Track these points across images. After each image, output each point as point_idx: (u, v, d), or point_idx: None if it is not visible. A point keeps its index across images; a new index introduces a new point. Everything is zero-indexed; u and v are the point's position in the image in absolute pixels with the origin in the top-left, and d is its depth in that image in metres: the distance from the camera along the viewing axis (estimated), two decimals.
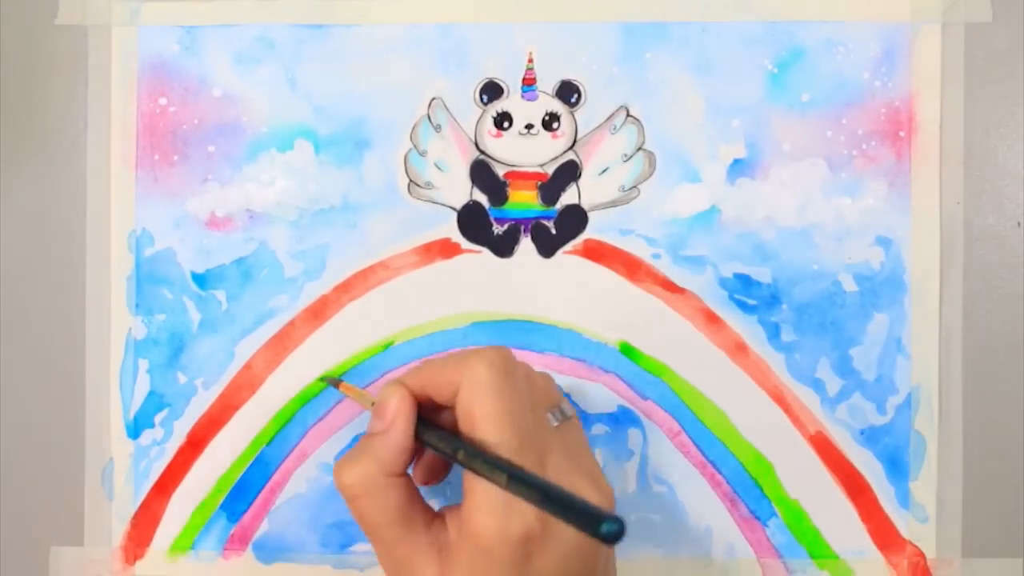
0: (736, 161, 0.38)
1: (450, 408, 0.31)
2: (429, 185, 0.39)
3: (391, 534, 0.30)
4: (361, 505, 0.30)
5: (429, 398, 0.32)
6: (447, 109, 0.39)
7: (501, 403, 0.29)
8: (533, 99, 0.39)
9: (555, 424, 0.31)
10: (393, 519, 0.30)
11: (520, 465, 0.28)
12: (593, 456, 0.33)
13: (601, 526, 0.23)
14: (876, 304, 0.38)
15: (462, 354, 0.31)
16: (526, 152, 0.39)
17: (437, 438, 0.31)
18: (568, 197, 0.39)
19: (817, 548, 0.38)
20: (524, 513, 0.28)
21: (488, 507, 0.28)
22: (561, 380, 0.38)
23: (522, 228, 0.39)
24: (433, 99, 0.39)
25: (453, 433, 0.31)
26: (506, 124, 0.39)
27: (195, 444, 0.39)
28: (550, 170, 0.39)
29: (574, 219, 0.39)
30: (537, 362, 0.38)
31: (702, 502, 0.38)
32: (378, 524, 0.30)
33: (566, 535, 0.28)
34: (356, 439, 0.39)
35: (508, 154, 0.39)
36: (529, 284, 0.38)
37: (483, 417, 0.29)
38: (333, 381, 0.37)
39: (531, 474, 0.27)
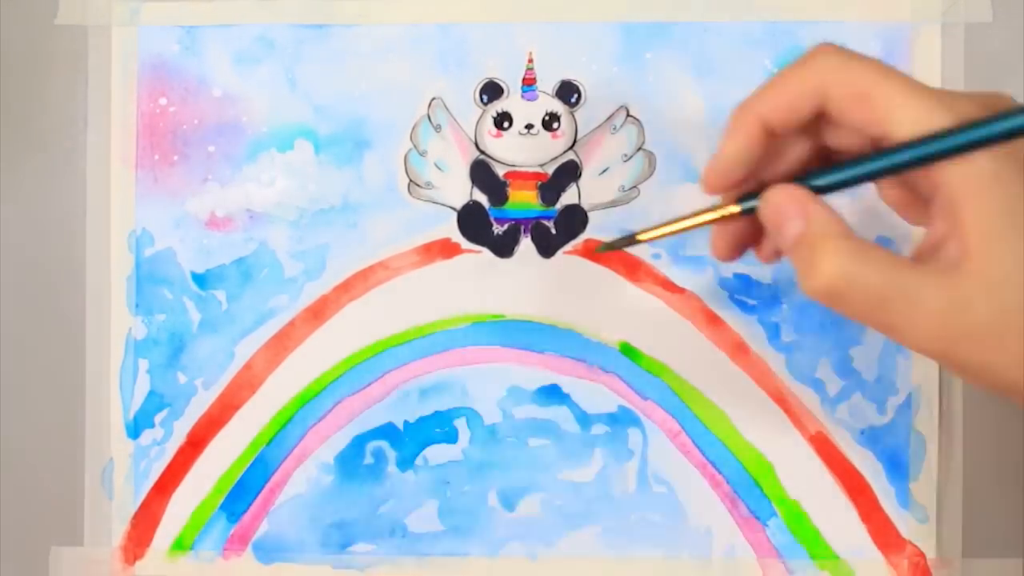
0: None
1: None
2: (429, 185, 0.39)
3: (903, 287, 0.25)
4: (857, 290, 0.25)
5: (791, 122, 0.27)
6: (447, 109, 0.39)
7: (868, 65, 0.25)
8: (533, 99, 0.39)
9: None
10: (893, 277, 0.25)
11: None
12: None
13: None
14: None
15: (799, 58, 0.26)
16: (526, 152, 0.39)
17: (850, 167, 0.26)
18: (568, 197, 0.39)
19: (817, 548, 0.38)
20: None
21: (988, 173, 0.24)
22: (561, 380, 0.38)
23: (522, 228, 0.39)
24: (433, 99, 0.39)
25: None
26: (506, 124, 0.39)
27: (195, 444, 0.39)
28: (550, 170, 0.39)
29: (574, 219, 0.39)
30: (537, 362, 0.38)
31: (702, 502, 0.38)
32: (885, 290, 0.25)
33: None
34: (356, 439, 0.39)
35: (508, 154, 0.39)
36: (529, 284, 0.38)
37: (866, 81, 0.25)
38: (627, 241, 0.31)
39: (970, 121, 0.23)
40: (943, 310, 0.24)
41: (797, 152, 0.28)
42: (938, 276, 0.25)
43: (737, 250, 0.30)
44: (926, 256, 0.26)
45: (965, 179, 0.24)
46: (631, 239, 0.30)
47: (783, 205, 0.27)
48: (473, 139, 0.39)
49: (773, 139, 0.27)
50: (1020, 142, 0.24)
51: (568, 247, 0.39)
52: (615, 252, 0.38)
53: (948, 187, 0.25)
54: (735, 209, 0.28)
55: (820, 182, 0.27)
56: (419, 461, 0.38)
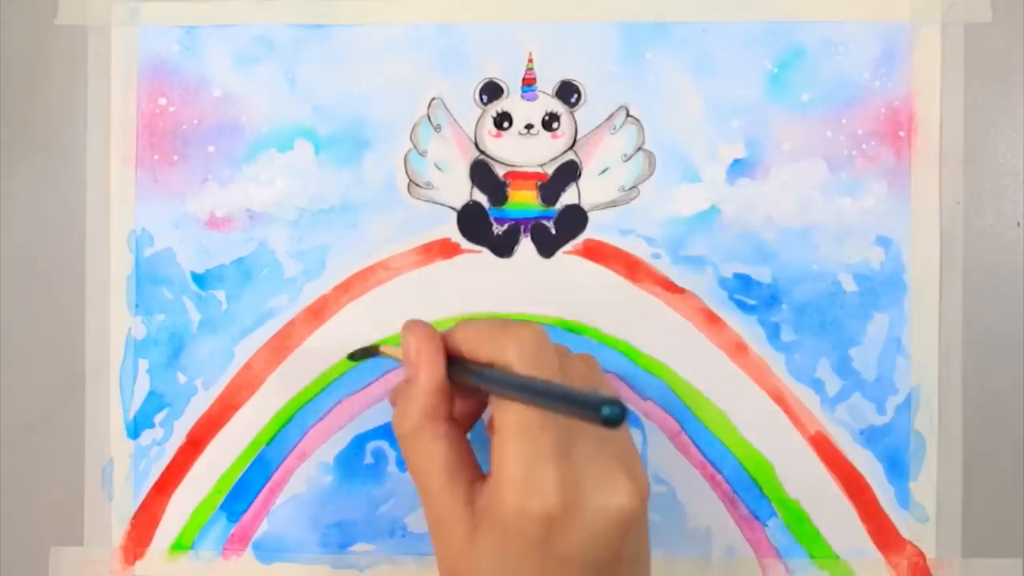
0: (736, 161, 0.38)
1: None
2: (429, 185, 0.39)
3: (433, 483, 0.30)
4: (407, 449, 0.30)
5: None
6: (447, 109, 0.39)
7: (540, 363, 0.29)
8: (533, 99, 0.39)
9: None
10: (436, 467, 0.30)
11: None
12: (631, 443, 0.31)
13: (602, 410, 0.23)
14: (876, 304, 0.38)
15: (497, 330, 0.30)
16: (526, 152, 0.39)
17: (464, 369, 0.30)
18: (568, 197, 0.39)
19: (817, 548, 0.38)
20: (546, 492, 0.27)
21: (509, 482, 0.28)
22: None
23: (522, 228, 0.39)
24: (433, 99, 0.39)
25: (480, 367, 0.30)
26: (506, 124, 0.39)
27: (195, 444, 0.39)
28: (550, 170, 0.39)
29: (574, 219, 0.39)
30: None
31: (702, 502, 0.38)
32: (421, 470, 0.30)
33: (589, 517, 0.28)
34: (356, 439, 0.39)
35: (508, 154, 0.39)
36: (529, 284, 0.38)
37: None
38: (364, 352, 0.36)
39: (537, 381, 0.27)
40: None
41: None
42: (467, 510, 0.29)
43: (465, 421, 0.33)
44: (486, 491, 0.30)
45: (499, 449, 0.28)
46: (374, 350, 0.36)
47: (407, 349, 0.31)
48: (473, 139, 0.39)
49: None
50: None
51: (568, 247, 0.39)
52: (615, 252, 0.38)
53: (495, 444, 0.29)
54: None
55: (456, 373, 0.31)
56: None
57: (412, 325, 0.31)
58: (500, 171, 0.39)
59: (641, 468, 0.30)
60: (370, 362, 0.39)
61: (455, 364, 0.31)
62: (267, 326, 0.39)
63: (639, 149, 0.39)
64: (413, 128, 0.39)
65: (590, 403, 0.24)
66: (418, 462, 0.30)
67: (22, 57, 0.40)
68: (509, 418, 0.28)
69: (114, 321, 0.39)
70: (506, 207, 0.39)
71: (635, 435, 0.38)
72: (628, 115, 0.39)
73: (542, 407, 0.27)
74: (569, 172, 0.39)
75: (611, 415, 0.23)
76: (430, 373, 0.30)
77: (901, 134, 0.38)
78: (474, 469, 0.31)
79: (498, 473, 0.28)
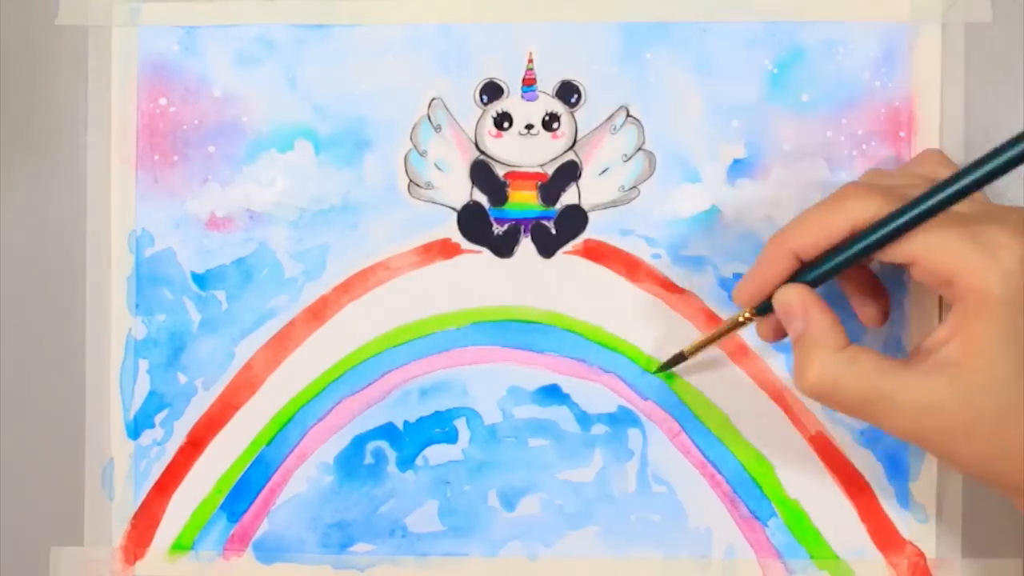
0: (736, 161, 0.38)
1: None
2: (429, 185, 0.39)
3: (881, 391, 0.29)
4: (839, 394, 0.30)
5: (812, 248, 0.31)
6: (447, 109, 0.39)
7: (894, 203, 0.29)
8: (533, 99, 0.39)
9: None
10: (873, 383, 0.29)
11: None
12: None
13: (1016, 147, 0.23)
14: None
15: (831, 197, 0.30)
16: (526, 152, 0.39)
17: (837, 256, 0.30)
18: (568, 197, 0.39)
19: (817, 548, 0.38)
20: (1004, 244, 0.27)
21: (970, 264, 0.27)
22: (561, 380, 0.38)
23: (522, 228, 0.39)
24: (433, 99, 0.39)
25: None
26: (506, 124, 0.39)
27: (195, 444, 0.39)
28: (550, 170, 0.39)
29: (574, 219, 0.39)
30: (537, 362, 0.38)
31: (702, 502, 0.38)
32: (865, 395, 0.29)
33: None
34: (356, 439, 0.39)
35: (508, 154, 0.39)
36: (529, 284, 0.38)
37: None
38: (673, 361, 0.37)
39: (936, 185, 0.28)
40: (915, 410, 0.29)
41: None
42: (919, 378, 0.29)
43: (777, 334, 0.34)
44: (928, 351, 0.29)
45: (980, 299, 0.28)
46: (680, 357, 0.37)
47: (789, 306, 0.31)
48: (473, 139, 0.39)
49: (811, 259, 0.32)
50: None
51: (568, 247, 0.39)
52: (615, 252, 0.38)
53: (965, 301, 0.28)
54: (751, 316, 0.34)
55: (816, 273, 0.31)
56: (419, 461, 0.38)
57: (789, 286, 0.31)
58: (500, 171, 0.39)
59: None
60: (369, 362, 0.39)
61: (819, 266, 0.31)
62: (267, 326, 0.39)
63: (639, 149, 0.39)
64: (413, 128, 0.39)
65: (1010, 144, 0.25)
66: (859, 392, 0.29)
67: (22, 57, 0.40)
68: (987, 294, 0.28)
69: (114, 321, 0.39)
70: (506, 207, 0.39)
71: (635, 435, 0.38)
72: (628, 115, 0.39)
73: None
74: (569, 172, 0.39)
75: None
76: (821, 313, 0.30)
77: (901, 134, 0.38)
78: (885, 363, 0.30)
79: (954, 263, 0.28)
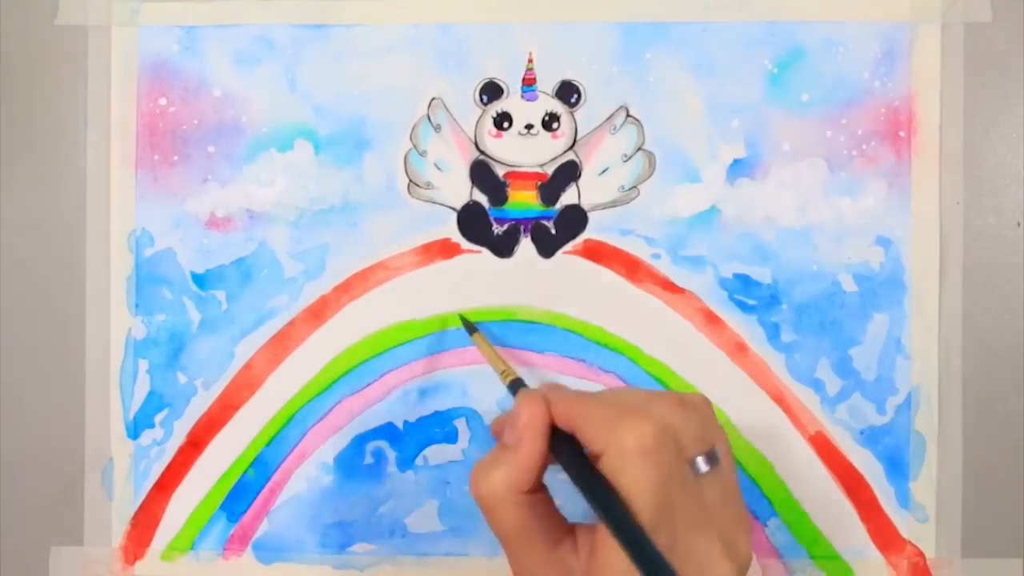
0: (736, 161, 0.38)
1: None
2: (429, 185, 0.39)
3: (520, 546, 0.30)
4: (494, 515, 0.30)
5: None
6: (447, 109, 0.39)
7: (645, 479, 0.28)
8: (533, 99, 0.39)
9: (702, 470, 0.29)
10: (523, 532, 0.29)
11: (644, 533, 0.27)
12: (742, 505, 0.30)
13: None
14: (876, 304, 0.38)
15: (614, 419, 0.28)
16: (526, 152, 0.39)
17: (569, 463, 0.29)
18: (568, 197, 0.39)
19: (817, 548, 0.38)
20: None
21: (615, 569, 0.27)
22: (561, 380, 0.38)
23: (522, 228, 0.39)
24: (433, 99, 0.39)
25: (585, 464, 0.29)
26: (506, 124, 0.39)
27: (195, 444, 0.39)
28: (550, 170, 0.39)
29: (574, 219, 0.39)
30: (537, 362, 0.38)
31: None
32: (508, 535, 0.30)
33: None
34: (356, 439, 0.39)
35: (508, 154, 0.39)
36: (529, 284, 0.38)
37: (624, 487, 0.28)
38: (469, 326, 0.37)
39: (647, 545, 0.27)
40: None
41: None
42: (558, 565, 0.29)
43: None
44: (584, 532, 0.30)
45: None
46: (472, 328, 0.37)
47: (516, 417, 0.30)
48: (473, 139, 0.39)
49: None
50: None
51: (568, 247, 0.39)
52: (615, 252, 0.38)
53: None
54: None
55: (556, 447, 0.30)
56: (419, 461, 0.38)
57: (527, 396, 0.30)
58: (500, 171, 0.39)
59: (746, 537, 0.29)
60: (369, 362, 0.39)
61: (559, 440, 0.30)
62: (267, 326, 0.39)
63: (639, 149, 0.39)
64: (413, 128, 0.39)
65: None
66: (504, 527, 0.30)
67: (22, 57, 0.40)
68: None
69: (114, 321, 0.39)
70: (506, 207, 0.39)
71: None
72: (628, 115, 0.39)
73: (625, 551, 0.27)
74: (569, 172, 0.39)
75: None
76: (530, 454, 0.29)
77: (901, 134, 0.38)
78: (561, 525, 0.30)
79: (604, 552, 0.28)
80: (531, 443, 0.29)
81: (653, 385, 0.38)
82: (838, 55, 0.38)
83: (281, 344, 0.39)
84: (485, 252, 0.39)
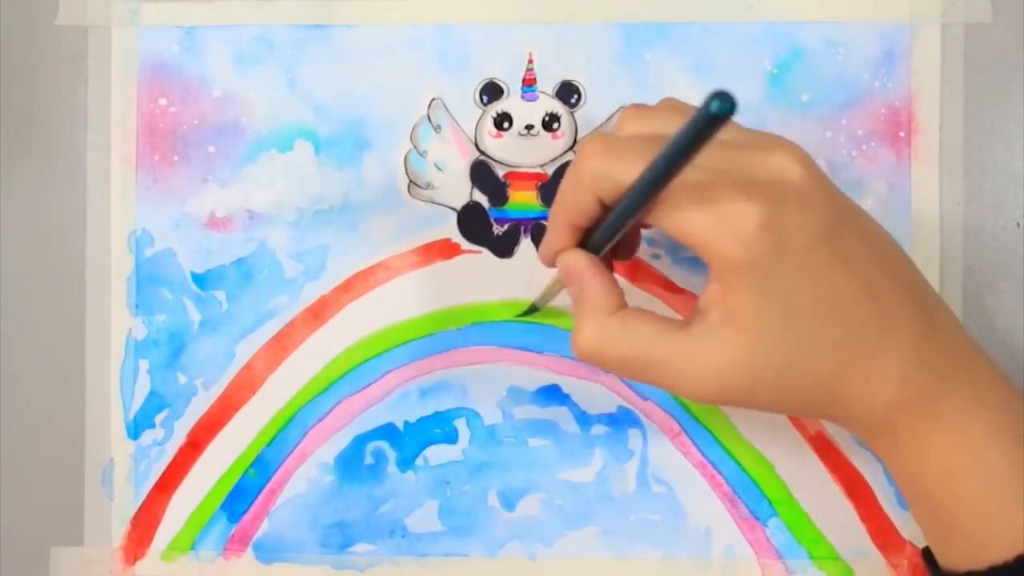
0: None
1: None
2: (429, 185, 0.39)
3: (655, 355, 0.29)
4: (611, 357, 0.29)
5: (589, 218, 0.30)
6: (447, 110, 0.39)
7: (621, 157, 0.28)
8: (533, 99, 0.39)
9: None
10: (647, 346, 0.29)
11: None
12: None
13: (710, 109, 0.22)
14: None
15: (572, 165, 0.29)
16: (526, 153, 0.39)
17: (601, 226, 0.30)
18: None
19: (817, 548, 0.38)
20: (740, 212, 0.27)
21: (709, 234, 0.27)
22: (561, 380, 0.38)
23: (522, 228, 0.39)
24: (433, 99, 0.39)
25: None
26: (506, 125, 0.39)
27: (195, 444, 0.39)
28: (550, 171, 0.39)
29: None
30: (537, 362, 0.38)
31: (702, 502, 0.38)
32: (638, 359, 0.29)
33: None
34: (357, 439, 0.39)
35: (508, 155, 0.39)
36: (529, 284, 0.38)
37: (620, 174, 0.28)
38: (530, 310, 0.38)
39: (653, 160, 0.26)
40: (697, 376, 0.28)
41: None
42: (694, 342, 0.28)
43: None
44: (700, 312, 0.29)
45: (725, 266, 0.27)
46: (533, 308, 0.37)
47: (565, 272, 0.31)
48: (473, 139, 0.39)
49: (587, 227, 0.31)
50: (783, 230, 0.27)
51: None
52: (615, 253, 0.38)
53: (712, 268, 0.28)
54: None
55: (590, 243, 0.31)
56: (419, 461, 0.39)
57: (567, 252, 0.31)
58: (500, 171, 0.39)
59: (790, 143, 0.29)
60: (369, 362, 0.39)
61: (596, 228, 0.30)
62: (267, 326, 0.39)
63: None
64: (413, 128, 0.39)
65: (699, 116, 0.23)
66: (628, 353, 0.29)
67: (22, 57, 0.40)
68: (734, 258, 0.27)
69: (114, 321, 0.39)
70: (506, 207, 0.39)
71: (635, 435, 0.38)
72: None
73: (675, 163, 0.25)
74: None
75: (721, 108, 0.22)
76: (594, 273, 0.30)
77: (901, 135, 0.38)
78: (667, 320, 0.30)
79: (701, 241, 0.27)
80: (587, 267, 0.30)
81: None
82: (838, 56, 0.38)
83: (281, 344, 0.39)
84: (485, 252, 0.39)
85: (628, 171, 0.27)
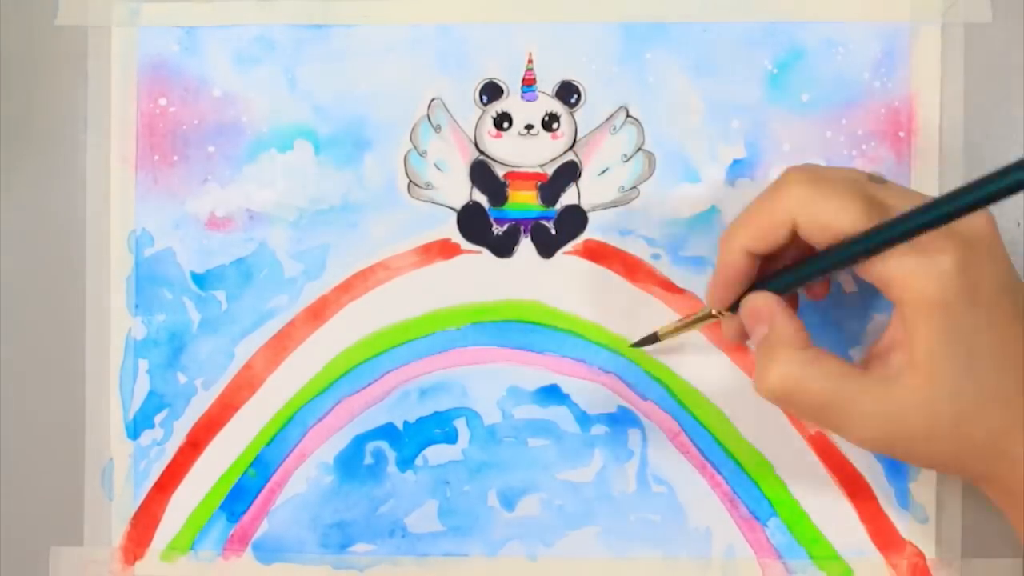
0: (736, 161, 0.38)
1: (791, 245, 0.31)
2: (429, 185, 0.39)
3: (843, 394, 0.29)
4: (801, 394, 0.29)
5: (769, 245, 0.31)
6: (447, 109, 0.39)
7: (839, 192, 0.28)
8: (533, 99, 0.39)
9: (881, 183, 0.31)
10: (836, 384, 0.29)
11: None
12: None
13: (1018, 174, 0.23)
14: (876, 304, 0.38)
15: (768, 192, 0.30)
16: (526, 152, 0.39)
17: (802, 269, 0.30)
18: (568, 197, 0.39)
19: (817, 548, 0.38)
20: (983, 271, 0.28)
21: (952, 290, 0.27)
22: (561, 380, 0.38)
23: (522, 228, 0.39)
24: (433, 99, 0.39)
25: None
26: (506, 124, 0.39)
27: (195, 444, 0.39)
28: (550, 170, 0.39)
29: (574, 219, 0.39)
30: (537, 362, 0.38)
31: (702, 502, 0.38)
32: (827, 396, 0.29)
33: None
34: (356, 439, 0.39)
35: (508, 154, 0.39)
36: (529, 284, 0.38)
37: (836, 216, 0.28)
38: (649, 339, 0.37)
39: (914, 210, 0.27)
40: (878, 418, 0.29)
41: (791, 253, 0.32)
42: (878, 385, 0.29)
43: (742, 336, 0.34)
44: (879, 357, 0.30)
45: (918, 304, 0.28)
46: (654, 338, 0.36)
47: (754, 312, 0.31)
48: (473, 139, 0.39)
49: (760, 257, 0.31)
50: (976, 276, 0.28)
51: (568, 247, 0.39)
52: (615, 252, 0.38)
53: (904, 307, 0.28)
54: (719, 314, 0.34)
55: (780, 283, 0.32)
56: (419, 461, 0.38)
57: (756, 293, 0.32)
58: (500, 171, 0.39)
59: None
60: (369, 362, 0.39)
61: (786, 275, 0.31)
62: (267, 326, 0.39)
63: (639, 149, 0.39)
64: (413, 128, 0.39)
65: (1005, 177, 0.24)
66: (818, 394, 0.29)
67: (22, 57, 0.40)
68: (924, 298, 0.28)
69: (114, 321, 0.39)
70: (506, 207, 0.39)
71: (635, 435, 0.38)
72: (628, 115, 0.39)
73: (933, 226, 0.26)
74: (569, 172, 0.39)
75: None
76: (784, 312, 0.30)
77: (901, 134, 0.38)
78: (846, 368, 0.30)
79: (896, 279, 0.28)
80: (778, 307, 0.31)
81: (652, 384, 0.38)
82: (838, 55, 0.38)
83: (281, 344, 0.39)
84: (485, 252, 0.39)
85: (835, 210, 0.28)
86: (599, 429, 0.38)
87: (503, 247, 0.39)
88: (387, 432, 0.39)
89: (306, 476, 0.39)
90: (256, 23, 0.39)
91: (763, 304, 0.31)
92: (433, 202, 0.39)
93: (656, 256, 0.38)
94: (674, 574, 0.38)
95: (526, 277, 0.38)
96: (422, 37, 0.39)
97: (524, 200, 0.39)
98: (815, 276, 0.31)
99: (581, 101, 0.39)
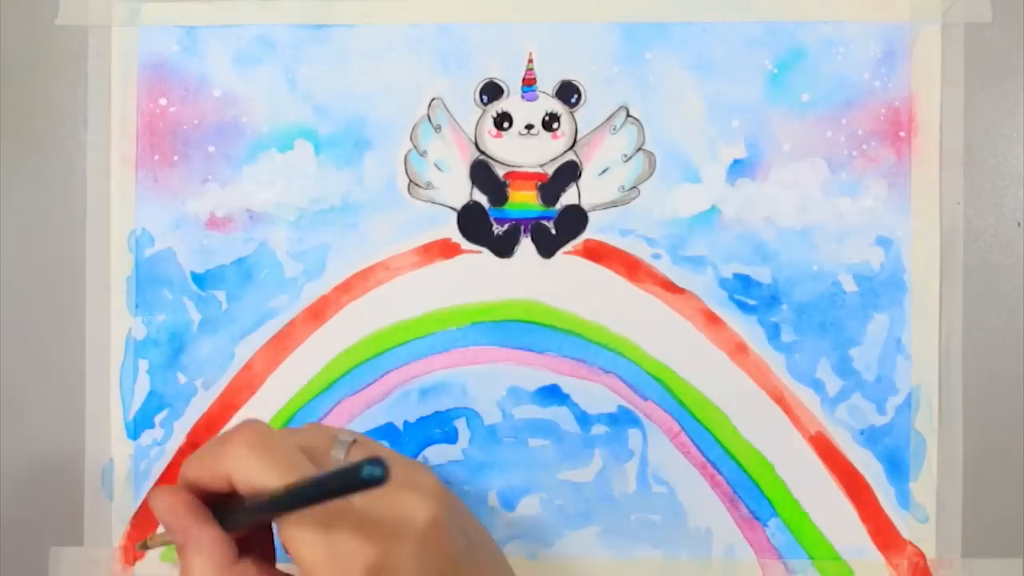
0: (736, 161, 0.38)
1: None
2: (429, 185, 0.39)
3: None
4: None
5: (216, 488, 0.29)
6: (447, 109, 0.39)
7: (271, 461, 0.28)
8: (533, 99, 0.39)
9: (343, 454, 0.30)
10: None
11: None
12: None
13: (361, 473, 0.24)
14: (876, 304, 0.38)
15: (217, 442, 0.29)
16: (526, 152, 0.39)
17: (234, 514, 0.29)
18: (568, 197, 0.39)
19: (817, 548, 0.38)
20: (352, 551, 0.27)
21: (315, 563, 0.27)
22: (561, 380, 0.38)
23: (522, 228, 0.39)
24: (433, 99, 0.39)
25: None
26: (506, 124, 0.39)
27: (195, 445, 0.39)
28: (550, 170, 0.39)
29: (574, 219, 0.39)
30: (537, 362, 0.38)
31: (702, 502, 0.38)
32: None
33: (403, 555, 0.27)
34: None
35: (508, 154, 0.39)
36: (529, 284, 0.38)
37: (261, 480, 0.27)
38: (142, 546, 0.34)
39: (297, 483, 0.26)
40: None
41: None
42: None
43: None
44: None
45: (304, 571, 0.27)
46: (145, 546, 0.33)
47: (159, 516, 0.29)
48: (473, 139, 0.39)
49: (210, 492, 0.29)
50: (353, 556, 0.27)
51: (568, 247, 0.39)
52: (615, 252, 0.38)
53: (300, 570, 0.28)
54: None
55: (234, 519, 0.29)
56: (419, 461, 0.38)
57: (159, 489, 0.30)
58: (500, 171, 0.39)
59: (426, 476, 0.30)
60: (369, 362, 0.39)
61: (229, 511, 0.29)
62: (267, 326, 0.39)
63: (639, 149, 0.39)
64: (413, 128, 0.39)
65: (352, 474, 0.24)
66: None
67: (22, 57, 0.40)
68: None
69: (114, 321, 0.39)
70: (506, 207, 0.39)
71: (635, 435, 0.38)
72: (628, 115, 0.39)
73: (314, 502, 0.26)
74: (569, 172, 0.39)
75: (371, 475, 0.23)
76: (199, 524, 0.29)
77: (901, 134, 0.38)
78: None
79: (302, 565, 0.27)
80: (190, 519, 0.29)
81: (652, 384, 0.38)
82: (838, 55, 0.38)
83: (281, 344, 0.39)
84: (485, 252, 0.39)
85: (258, 474, 0.27)
86: (599, 429, 0.38)
87: (503, 247, 0.39)
88: (387, 432, 0.39)
89: None
90: (256, 23, 0.39)
91: (166, 508, 0.29)
92: (433, 202, 0.39)
93: (656, 256, 0.38)
94: (674, 574, 0.38)
95: (526, 277, 0.38)
96: (422, 37, 0.39)
97: (524, 200, 0.39)
98: (249, 521, 0.29)
99: (581, 101, 0.39)
